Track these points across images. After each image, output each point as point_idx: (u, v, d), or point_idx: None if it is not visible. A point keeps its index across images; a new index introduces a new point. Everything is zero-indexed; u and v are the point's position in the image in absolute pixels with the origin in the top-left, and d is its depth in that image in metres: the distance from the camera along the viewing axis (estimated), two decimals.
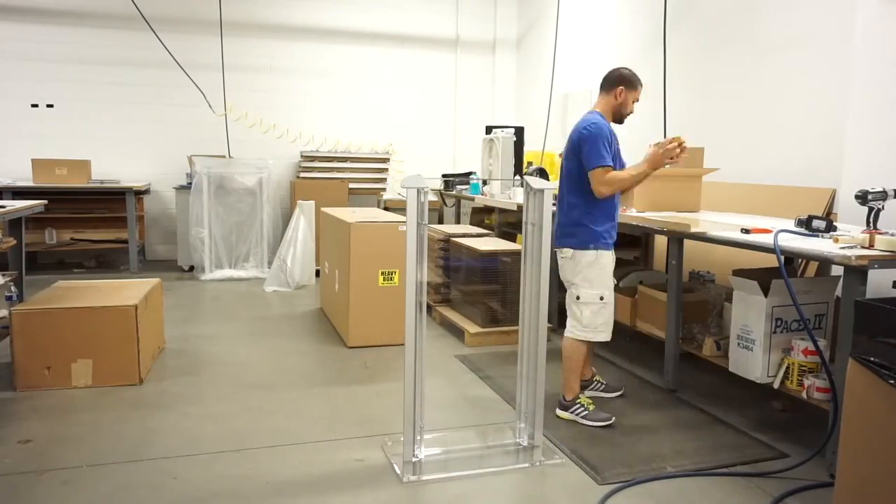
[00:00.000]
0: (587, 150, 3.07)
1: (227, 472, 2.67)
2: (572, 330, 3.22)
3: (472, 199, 6.26)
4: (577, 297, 3.17)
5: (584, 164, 3.09)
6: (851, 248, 2.64)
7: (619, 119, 3.24)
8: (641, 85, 3.22)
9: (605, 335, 3.22)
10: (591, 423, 3.17)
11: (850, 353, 2.18)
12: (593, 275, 3.16)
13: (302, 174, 7.56)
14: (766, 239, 2.91)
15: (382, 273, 4.37)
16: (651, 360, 4.12)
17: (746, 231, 3.06)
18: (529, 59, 8.09)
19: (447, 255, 5.30)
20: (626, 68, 3.23)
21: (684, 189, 4.38)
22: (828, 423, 2.74)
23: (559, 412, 3.26)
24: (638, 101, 3.25)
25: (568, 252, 3.20)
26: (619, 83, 3.18)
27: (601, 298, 3.16)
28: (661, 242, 4.80)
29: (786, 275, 2.79)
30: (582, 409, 3.21)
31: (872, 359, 2.06)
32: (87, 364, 3.53)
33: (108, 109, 7.21)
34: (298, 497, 2.50)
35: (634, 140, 5.81)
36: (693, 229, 3.33)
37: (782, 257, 2.80)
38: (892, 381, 1.98)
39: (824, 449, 2.72)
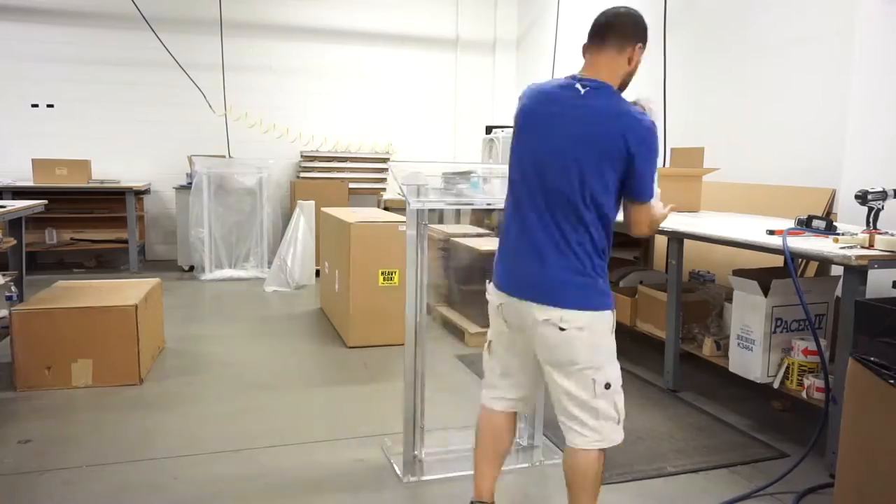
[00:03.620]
0: (646, 167, 1.93)
1: (227, 472, 2.67)
2: (605, 435, 2.05)
3: None
4: (608, 385, 2.00)
5: (633, 189, 1.95)
6: (851, 248, 2.64)
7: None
8: None
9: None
10: None
11: (850, 353, 2.18)
12: (612, 345, 2.04)
13: (302, 174, 7.56)
14: (767, 239, 2.90)
15: (382, 273, 4.37)
16: (651, 360, 4.12)
17: (771, 232, 2.95)
18: (529, 59, 8.09)
19: (447, 255, 5.30)
20: (635, 10, 2.18)
21: (684, 189, 4.37)
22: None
23: None
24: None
25: (578, 318, 1.92)
26: (639, 38, 2.13)
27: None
28: (661, 242, 4.80)
29: (794, 274, 2.76)
30: None
31: (872, 359, 2.06)
32: (87, 364, 3.53)
33: (108, 109, 7.20)
34: (298, 497, 2.50)
35: None
36: None
37: (791, 257, 2.78)
38: (892, 381, 1.98)
39: (816, 445, 2.70)
